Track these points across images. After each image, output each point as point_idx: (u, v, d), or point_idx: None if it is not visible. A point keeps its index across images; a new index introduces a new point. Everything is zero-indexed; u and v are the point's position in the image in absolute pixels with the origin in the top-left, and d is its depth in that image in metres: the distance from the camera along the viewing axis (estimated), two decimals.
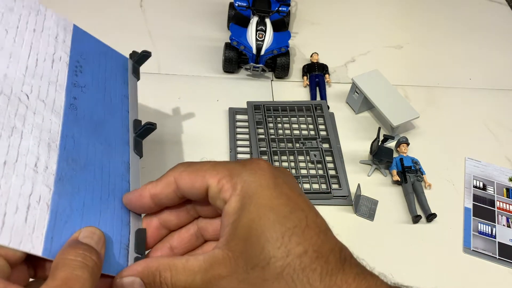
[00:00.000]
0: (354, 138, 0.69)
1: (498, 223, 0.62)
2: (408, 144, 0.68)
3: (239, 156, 0.65)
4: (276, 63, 0.74)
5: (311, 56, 0.79)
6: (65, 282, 0.26)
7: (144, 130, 0.42)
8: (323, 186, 0.62)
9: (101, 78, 0.42)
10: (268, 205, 0.28)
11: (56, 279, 0.26)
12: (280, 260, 0.26)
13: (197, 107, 0.71)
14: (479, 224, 0.62)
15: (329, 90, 0.76)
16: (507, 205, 0.64)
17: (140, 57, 0.49)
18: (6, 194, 0.28)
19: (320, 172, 0.63)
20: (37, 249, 0.28)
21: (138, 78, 0.48)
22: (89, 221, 0.32)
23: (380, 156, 0.64)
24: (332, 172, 0.64)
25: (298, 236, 0.27)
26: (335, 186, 0.62)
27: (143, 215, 0.36)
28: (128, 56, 0.49)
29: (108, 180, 0.36)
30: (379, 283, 0.27)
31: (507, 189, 0.66)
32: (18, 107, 0.33)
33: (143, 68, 0.81)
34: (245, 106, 0.70)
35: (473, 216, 0.63)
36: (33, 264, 0.29)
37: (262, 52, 0.72)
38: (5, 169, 0.29)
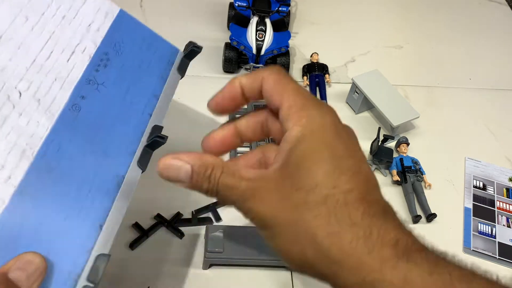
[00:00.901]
0: None
1: (498, 223, 0.62)
2: (408, 144, 0.68)
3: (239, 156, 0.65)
4: (276, 63, 0.74)
5: (311, 56, 0.79)
6: None
7: (152, 142, 0.38)
8: None
9: (130, 74, 0.38)
10: (327, 142, 0.28)
11: None
12: (326, 189, 0.27)
13: (197, 107, 0.70)
14: (479, 224, 0.62)
15: (329, 90, 0.76)
16: (507, 205, 0.64)
17: (190, 51, 0.43)
18: None
19: None
20: None
21: (182, 75, 0.43)
22: (38, 243, 0.28)
23: (380, 156, 0.64)
24: None
25: (348, 176, 0.27)
26: None
27: (110, 241, 0.32)
28: (182, 49, 0.44)
29: (85, 196, 0.32)
30: (415, 240, 0.28)
31: (507, 189, 0.66)
32: (3, 106, 0.30)
33: None
34: (245, 106, 0.70)
35: (473, 216, 0.63)
36: None
37: (262, 52, 0.72)
38: None
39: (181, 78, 0.43)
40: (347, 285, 0.26)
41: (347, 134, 0.30)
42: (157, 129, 0.39)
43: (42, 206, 0.30)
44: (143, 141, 0.37)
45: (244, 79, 0.33)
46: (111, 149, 0.35)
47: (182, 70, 0.43)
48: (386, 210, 0.28)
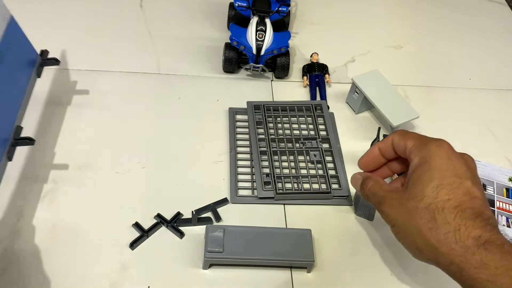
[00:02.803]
0: (354, 138, 0.69)
1: (498, 223, 0.62)
2: None
3: (239, 156, 0.65)
4: (276, 63, 0.74)
5: (311, 56, 0.79)
6: None
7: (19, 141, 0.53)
8: (323, 186, 0.62)
9: (11, 69, 0.51)
10: (437, 167, 0.41)
11: None
12: (430, 199, 0.40)
13: (197, 107, 0.71)
14: None
15: (329, 90, 0.76)
16: (507, 205, 0.64)
17: (45, 60, 0.60)
18: None
19: (320, 172, 0.63)
20: None
21: (38, 76, 0.59)
22: None
23: None
24: (332, 172, 0.64)
25: (448, 190, 0.40)
26: (335, 186, 0.62)
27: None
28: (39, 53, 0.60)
29: None
30: (498, 237, 0.37)
31: (507, 189, 0.66)
32: None
33: (143, 68, 0.81)
34: (245, 106, 0.70)
35: None
36: None
37: (262, 52, 0.72)
38: None
39: (38, 78, 0.59)
40: (444, 265, 0.39)
41: (457, 159, 0.42)
42: (19, 129, 0.54)
43: None
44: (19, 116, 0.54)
45: (380, 143, 0.48)
46: None
47: (38, 73, 0.59)
48: (479, 215, 0.39)
